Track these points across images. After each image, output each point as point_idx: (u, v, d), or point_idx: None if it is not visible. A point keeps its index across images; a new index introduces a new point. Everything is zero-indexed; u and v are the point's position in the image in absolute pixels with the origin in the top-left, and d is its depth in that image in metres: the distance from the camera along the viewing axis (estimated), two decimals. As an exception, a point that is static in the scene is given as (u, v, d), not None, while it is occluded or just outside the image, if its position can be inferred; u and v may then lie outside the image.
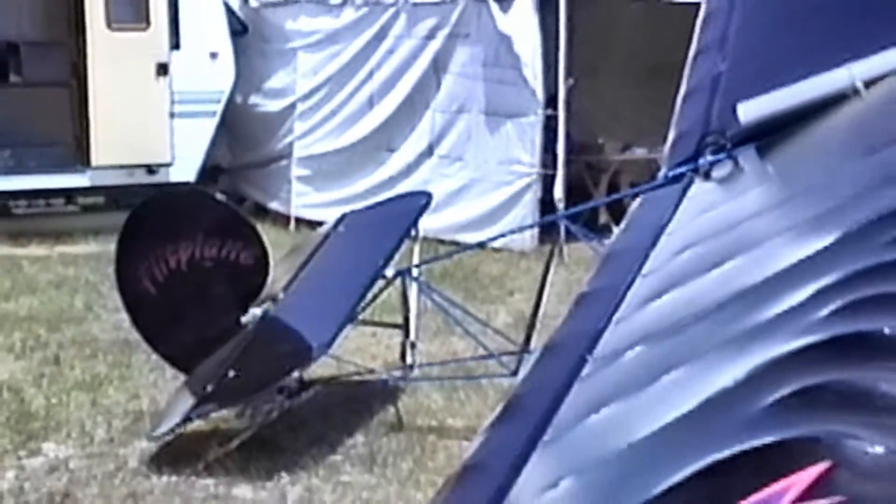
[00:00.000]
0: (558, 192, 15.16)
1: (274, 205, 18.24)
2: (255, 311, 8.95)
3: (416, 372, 9.38)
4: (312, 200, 17.30)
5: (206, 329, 8.92)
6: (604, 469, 5.21)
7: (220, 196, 11.33)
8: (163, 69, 17.33)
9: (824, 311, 5.27)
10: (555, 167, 15.36)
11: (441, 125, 16.63)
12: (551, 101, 15.48)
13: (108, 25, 17.07)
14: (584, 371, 6.22)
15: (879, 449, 4.21)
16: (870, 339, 4.88)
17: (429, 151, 16.71)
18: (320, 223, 11.62)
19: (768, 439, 4.49)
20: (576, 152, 15.92)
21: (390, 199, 11.37)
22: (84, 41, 17.04)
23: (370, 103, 17.30)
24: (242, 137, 18.99)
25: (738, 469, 4.40)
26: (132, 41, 17.17)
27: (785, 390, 4.77)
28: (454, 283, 11.97)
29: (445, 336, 10.00)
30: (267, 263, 9.30)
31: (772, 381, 4.86)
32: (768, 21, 9.71)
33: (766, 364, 5.06)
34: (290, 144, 18.29)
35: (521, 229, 14.17)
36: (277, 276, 9.46)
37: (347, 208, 11.64)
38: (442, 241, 13.04)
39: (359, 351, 10.04)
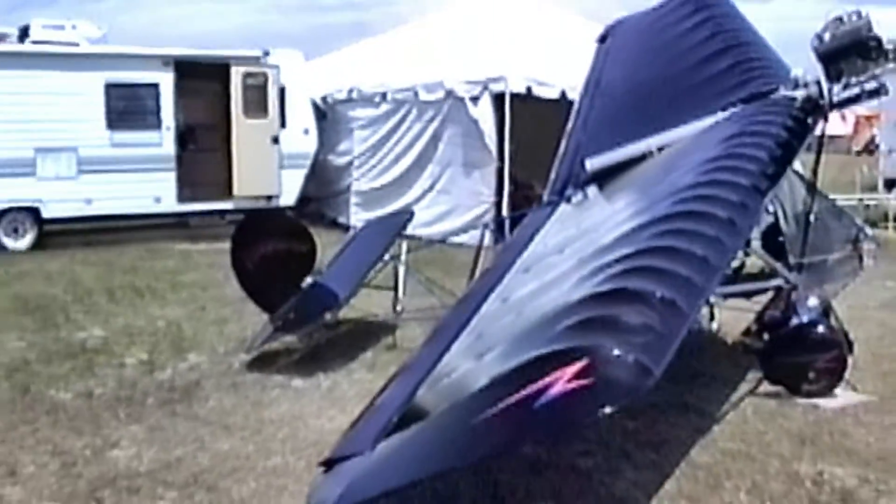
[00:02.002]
0: (504, 212, 15.27)
1: (341, 219, 18.31)
2: (308, 279, 8.97)
3: (403, 315, 9.47)
4: (363, 217, 17.12)
5: (282, 289, 8.87)
6: (482, 364, 5.37)
7: (289, 213, 11.37)
8: (275, 140, 17.60)
9: (608, 274, 5.47)
10: (502, 197, 15.49)
11: (437, 173, 16.68)
12: (501, 157, 15.62)
13: (245, 115, 17.33)
14: (482, 310, 6.37)
15: (618, 352, 4.41)
16: (624, 291, 5.06)
17: (430, 188, 16.77)
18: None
19: (560, 347, 4.68)
20: (517, 188, 15.96)
21: (389, 215, 11.44)
22: (230, 124, 17.33)
23: (396, 160, 17.36)
24: (322, 180, 19.00)
25: (543, 362, 4.58)
26: (258, 124, 17.44)
27: (575, 319, 4.95)
28: (439, 266, 11.72)
29: (424, 296, 9.80)
30: (315, 251, 9.23)
31: (571, 313, 5.05)
32: (607, 113, 9.86)
33: (570, 303, 5.24)
34: (350, 184, 18.41)
35: (455, 231, 14.15)
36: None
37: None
38: (438, 241, 13.04)
39: (372, 304, 10.04)
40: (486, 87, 15.67)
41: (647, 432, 6.62)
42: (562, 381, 4.22)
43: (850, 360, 8.08)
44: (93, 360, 8.65)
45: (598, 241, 6.34)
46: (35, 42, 16.08)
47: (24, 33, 16.33)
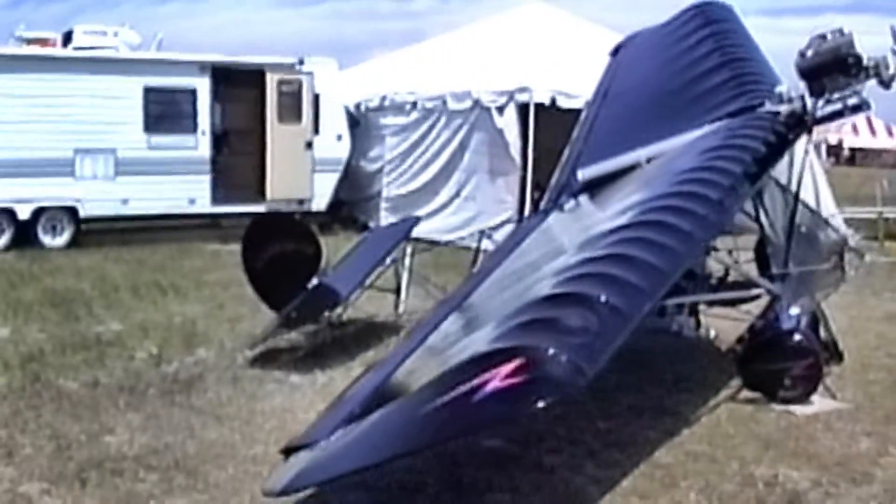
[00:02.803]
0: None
1: (371, 223, 18.34)
2: (314, 280, 9.18)
3: (404, 316, 9.68)
4: (392, 221, 17.43)
5: (289, 289, 9.06)
6: (438, 363, 5.61)
7: (299, 217, 11.48)
8: (309, 145, 17.91)
9: (563, 278, 5.71)
10: (523, 203, 15.66)
11: (463, 180, 16.89)
12: (525, 166, 15.81)
13: (279, 121, 17.66)
14: (454, 313, 6.61)
15: (553, 351, 4.65)
16: (571, 295, 5.29)
17: (457, 195, 16.98)
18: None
19: (500, 346, 4.94)
20: (542, 196, 16.04)
21: (397, 221, 11.62)
22: (264, 130, 17.68)
23: (425, 166, 17.59)
24: (355, 184, 19.25)
25: (483, 361, 4.83)
26: (292, 130, 17.75)
27: (522, 319, 5.20)
28: (454, 270, 11.49)
29: (426, 298, 9.87)
30: (320, 253, 9.42)
31: (520, 314, 5.30)
32: (609, 124, 10.05)
33: (522, 305, 5.48)
34: (380, 189, 18.62)
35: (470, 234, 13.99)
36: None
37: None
38: (462, 247, 13.16)
39: (373, 304, 10.27)
40: (511, 98, 15.88)
41: (618, 433, 6.82)
42: (498, 378, 4.48)
43: (835, 369, 8.25)
44: (105, 352, 8.97)
45: (566, 248, 6.59)
46: (77, 48, 16.59)
47: (67, 39, 16.87)
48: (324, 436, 5.05)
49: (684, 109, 8.85)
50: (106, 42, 16.82)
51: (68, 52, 16.55)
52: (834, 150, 52.53)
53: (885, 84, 7.69)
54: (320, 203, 18.10)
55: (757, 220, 8.33)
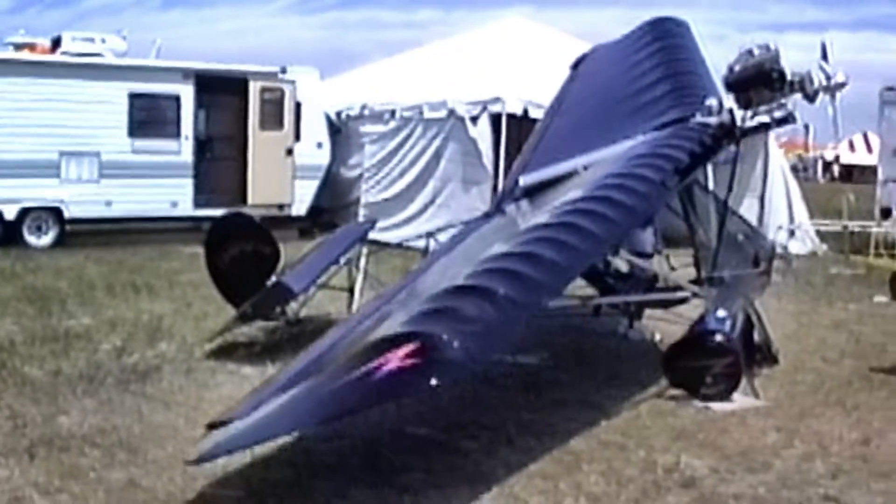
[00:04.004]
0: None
1: None
2: (272, 279, 9.63)
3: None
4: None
5: (250, 287, 9.48)
6: (354, 348, 6.02)
7: (258, 221, 11.74)
8: (289, 152, 18.42)
9: (472, 272, 6.21)
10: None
11: (438, 188, 17.43)
12: (497, 174, 16.29)
13: (261, 128, 18.18)
14: (382, 306, 7.07)
15: (446, 337, 5.14)
16: (472, 288, 5.78)
17: (431, 202, 17.49)
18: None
19: (401, 331, 5.43)
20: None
21: (355, 224, 12.08)
22: (246, 136, 18.21)
23: (402, 174, 18.11)
24: (334, 191, 19.78)
25: (384, 344, 5.32)
26: (273, 136, 18.28)
27: (425, 308, 5.68)
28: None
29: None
30: (278, 254, 9.91)
31: (426, 303, 5.79)
32: (559, 133, 10.53)
33: (430, 296, 5.94)
34: (359, 196, 19.10)
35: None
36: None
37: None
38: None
39: (328, 304, 10.70)
40: (485, 108, 16.43)
41: (539, 423, 7.28)
42: (395, 360, 4.99)
43: (767, 370, 8.69)
44: (71, 344, 9.46)
45: (489, 247, 7.10)
46: (65, 53, 17.16)
47: (55, 44, 17.44)
48: (246, 412, 5.54)
49: (625, 120, 9.35)
50: (93, 48, 17.38)
51: (56, 57, 17.12)
52: (830, 167, 53.19)
53: (810, 98, 8.17)
54: (300, 208, 18.64)
55: (689, 226, 8.81)
